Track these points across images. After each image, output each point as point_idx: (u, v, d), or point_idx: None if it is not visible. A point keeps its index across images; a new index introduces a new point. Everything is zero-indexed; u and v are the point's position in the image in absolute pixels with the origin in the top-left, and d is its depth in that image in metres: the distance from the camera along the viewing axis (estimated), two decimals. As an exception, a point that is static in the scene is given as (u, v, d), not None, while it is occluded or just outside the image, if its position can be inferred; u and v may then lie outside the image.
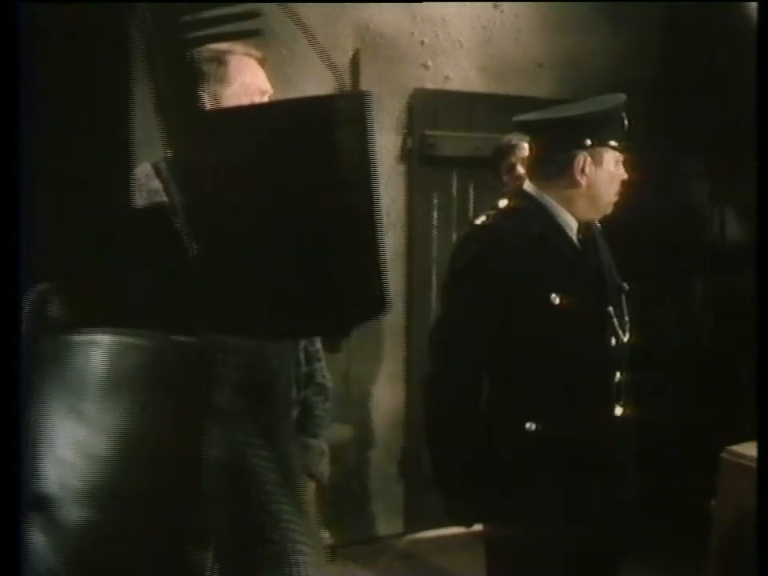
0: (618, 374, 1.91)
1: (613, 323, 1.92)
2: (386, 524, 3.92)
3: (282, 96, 3.54)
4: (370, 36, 3.60)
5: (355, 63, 3.56)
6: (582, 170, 1.88)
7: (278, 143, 0.65)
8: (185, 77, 0.67)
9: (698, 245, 3.98)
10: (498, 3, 3.80)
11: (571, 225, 1.92)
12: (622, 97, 1.99)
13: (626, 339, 1.95)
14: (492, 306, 1.82)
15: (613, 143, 1.92)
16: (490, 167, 3.06)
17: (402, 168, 3.73)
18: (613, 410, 1.90)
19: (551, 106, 3.97)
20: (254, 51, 1.67)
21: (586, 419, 1.87)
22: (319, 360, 1.86)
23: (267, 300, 0.59)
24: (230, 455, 0.53)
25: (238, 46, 1.63)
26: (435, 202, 3.76)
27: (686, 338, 4.03)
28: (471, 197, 3.80)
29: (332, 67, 0.89)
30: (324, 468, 1.82)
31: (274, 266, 0.59)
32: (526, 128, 2.08)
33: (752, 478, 1.75)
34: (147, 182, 1.54)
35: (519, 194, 1.98)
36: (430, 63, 3.72)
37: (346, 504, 3.79)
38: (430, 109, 3.71)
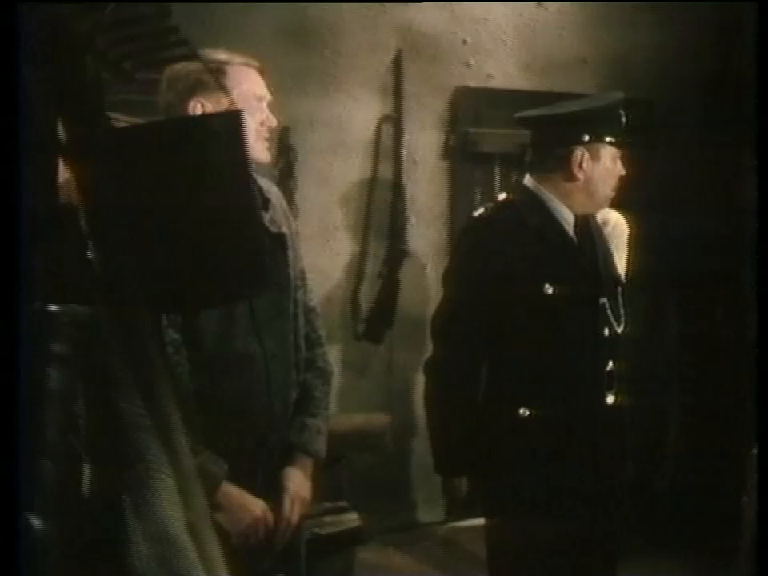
0: (610, 364, 1.97)
1: (606, 314, 1.97)
2: (427, 512, 4.02)
3: (325, 95, 3.69)
4: (412, 36, 3.70)
5: (397, 63, 3.67)
6: (580, 165, 1.95)
7: (167, 155, 0.76)
8: (86, 91, 0.79)
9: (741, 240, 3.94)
10: (542, 3, 3.84)
11: (568, 218, 1.99)
12: (619, 95, 2.04)
13: (619, 330, 2.00)
14: (488, 294, 1.90)
15: (610, 139, 1.97)
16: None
17: (445, 165, 3.82)
18: (604, 398, 1.95)
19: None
20: (252, 61, 1.80)
21: (577, 406, 1.94)
22: (321, 345, 1.97)
23: (166, 280, 0.72)
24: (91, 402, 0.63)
25: (236, 57, 1.77)
26: (478, 197, 3.83)
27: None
28: (513, 193, 3.86)
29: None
30: (320, 446, 1.91)
31: (168, 251, 0.72)
32: (526, 123, 2.15)
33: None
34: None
35: (518, 188, 2.06)
36: (472, 62, 3.79)
37: (388, 491, 3.91)
38: (472, 106, 3.79)
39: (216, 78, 1.70)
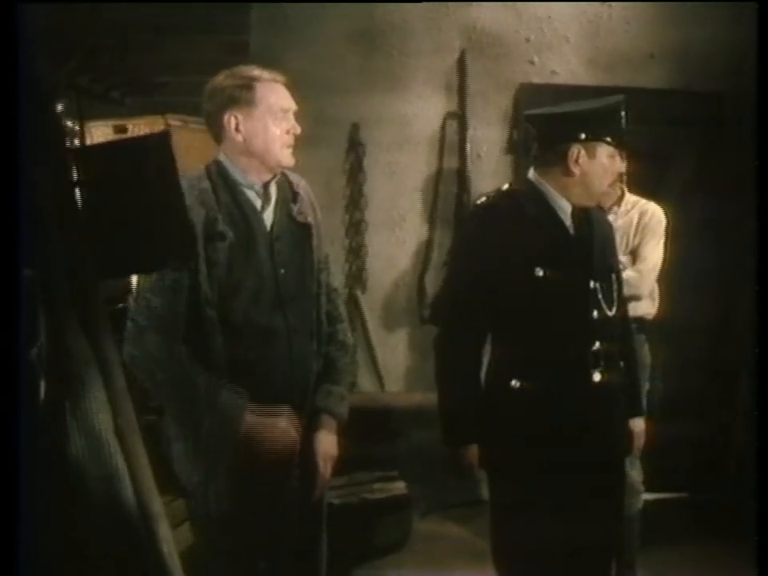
0: (597, 343, 2.11)
1: (597, 297, 2.12)
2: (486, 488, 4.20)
3: (392, 93, 3.92)
4: (477, 36, 3.89)
5: (462, 62, 3.87)
6: (576, 161, 2.10)
7: (119, 165, 1.04)
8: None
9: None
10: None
11: (565, 209, 2.15)
12: (619, 97, 2.17)
13: (611, 313, 2.14)
14: (486, 276, 2.10)
15: (607, 139, 2.11)
16: None
17: (508, 159, 3.98)
18: (591, 375, 2.11)
19: (663, 96, 4.08)
20: (279, 76, 2.07)
21: (565, 381, 2.10)
22: (342, 321, 2.21)
23: (116, 254, 1.00)
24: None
25: (265, 73, 2.03)
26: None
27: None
28: (576, 185, 3.97)
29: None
30: (344, 410, 2.14)
31: (119, 234, 1.00)
32: (530, 121, 2.31)
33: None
34: (199, 183, 2.00)
35: (521, 180, 2.24)
36: (536, 59, 3.93)
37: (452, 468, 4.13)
38: (535, 102, 3.90)
39: (246, 92, 1.97)
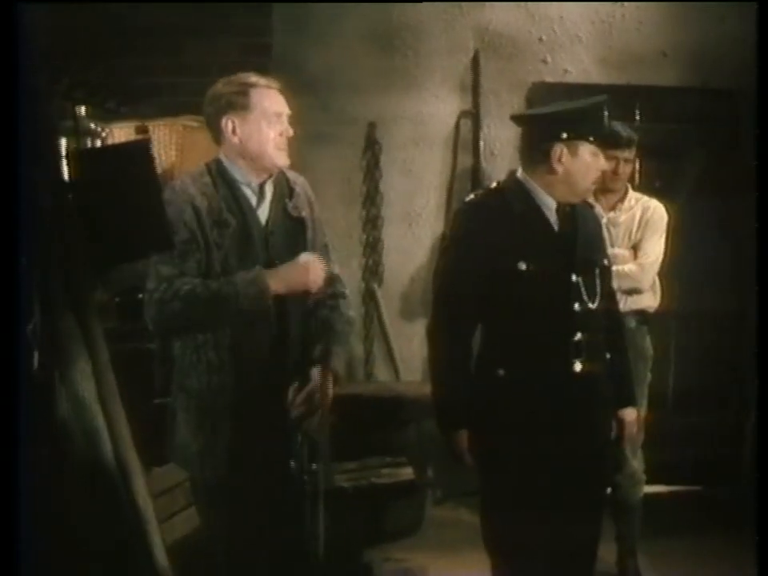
0: (578, 335, 2.21)
1: (579, 290, 2.22)
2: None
3: (408, 93, 4.02)
4: (490, 36, 3.99)
5: (475, 62, 3.97)
6: (559, 159, 2.20)
7: (106, 169, 1.18)
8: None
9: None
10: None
11: (550, 205, 2.25)
12: (602, 98, 2.27)
13: (593, 305, 2.24)
14: (473, 268, 2.22)
15: (589, 137, 2.21)
16: None
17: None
18: (572, 365, 2.21)
19: (675, 94, 4.13)
20: (273, 83, 2.21)
21: (546, 370, 2.21)
22: (344, 298, 2.38)
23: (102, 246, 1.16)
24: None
25: (260, 79, 2.18)
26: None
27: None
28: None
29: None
30: (340, 367, 2.31)
31: (103, 227, 1.15)
32: (516, 122, 2.41)
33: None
34: (201, 178, 2.15)
35: (509, 178, 2.34)
36: (548, 58, 4.02)
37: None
38: (547, 101, 3.99)
39: (242, 98, 2.13)
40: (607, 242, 2.57)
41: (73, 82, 2.44)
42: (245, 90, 2.14)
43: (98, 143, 2.69)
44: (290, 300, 2.20)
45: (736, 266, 4.15)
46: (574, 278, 2.22)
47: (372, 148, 4.04)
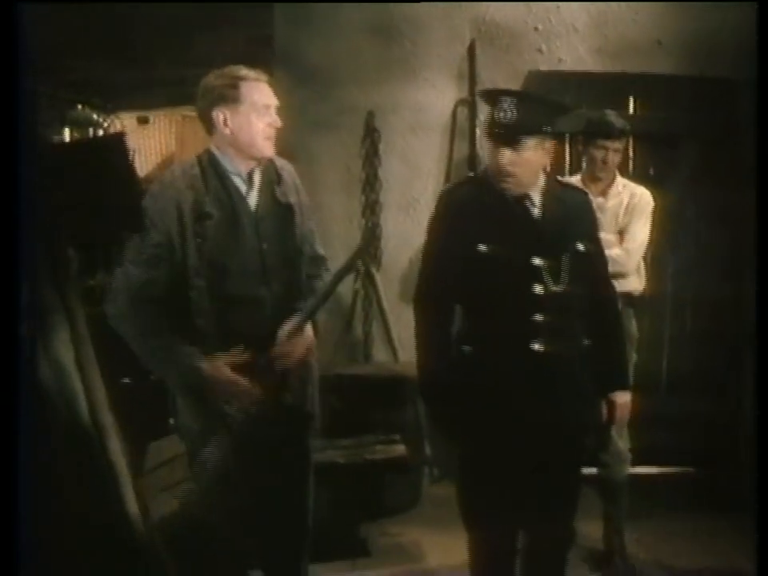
0: (538, 316, 2.32)
1: (540, 274, 2.33)
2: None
3: (406, 82, 4.10)
4: (486, 26, 4.07)
5: (471, 51, 4.06)
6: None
7: (84, 160, 1.31)
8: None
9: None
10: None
11: (514, 195, 2.38)
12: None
13: (557, 288, 2.34)
14: (446, 252, 2.35)
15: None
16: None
17: (518, 143, 4.16)
18: (531, 345, 2.32)
19: (670, 82, 4.19)
20: (262, 76, 2.31)
21: (507, 349, 2.33)
22: (327, 270, 2.50)
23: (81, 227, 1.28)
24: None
25: (249, 73, 2.29)
26: (548, 171, 4.14)
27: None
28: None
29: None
30: (312, 311, 2.39)
31: (85, 212, 1.28)
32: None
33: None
34: (191, 170, 2.27)
35: (484, 169, 2.45)
36: (544, 48, 4.10)
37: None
38: (542, 89, 4.08)
39: (232, 91, 2.24)
40: (597, 228, 2.62)
41: (60, 79, 2.57)
42: (235, 83, 2.25)
43: (100, 132, 2.84)
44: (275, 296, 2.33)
45: (731, 251, 4.22)
46: (536, 261, 2.33)
47: (371, 136, 4.15)
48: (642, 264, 3.30)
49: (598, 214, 3.21)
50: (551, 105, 2.47)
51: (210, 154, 2.31)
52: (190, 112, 3.21)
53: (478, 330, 2.36)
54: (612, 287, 2.62)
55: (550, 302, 2.34)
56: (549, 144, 2.40)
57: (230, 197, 2.28)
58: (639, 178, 4.04)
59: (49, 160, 1.30)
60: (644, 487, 4.15)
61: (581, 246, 2.42)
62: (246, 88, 2.25)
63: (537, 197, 2.41)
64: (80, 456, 1.23)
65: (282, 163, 2.44)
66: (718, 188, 4.14)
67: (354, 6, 4.00)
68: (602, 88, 4.05)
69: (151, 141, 3.08)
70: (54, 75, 3.28)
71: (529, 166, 2.35)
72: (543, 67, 4.11)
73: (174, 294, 2.21)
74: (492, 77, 4.09)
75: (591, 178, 3.24)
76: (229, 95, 2.24)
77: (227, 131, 2.26)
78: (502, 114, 2.30)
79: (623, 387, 2.59)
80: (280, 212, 2.35)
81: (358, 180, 4.19)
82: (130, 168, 1.40)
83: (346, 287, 4.20)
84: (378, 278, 4.23)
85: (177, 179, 2.26)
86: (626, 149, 3.55)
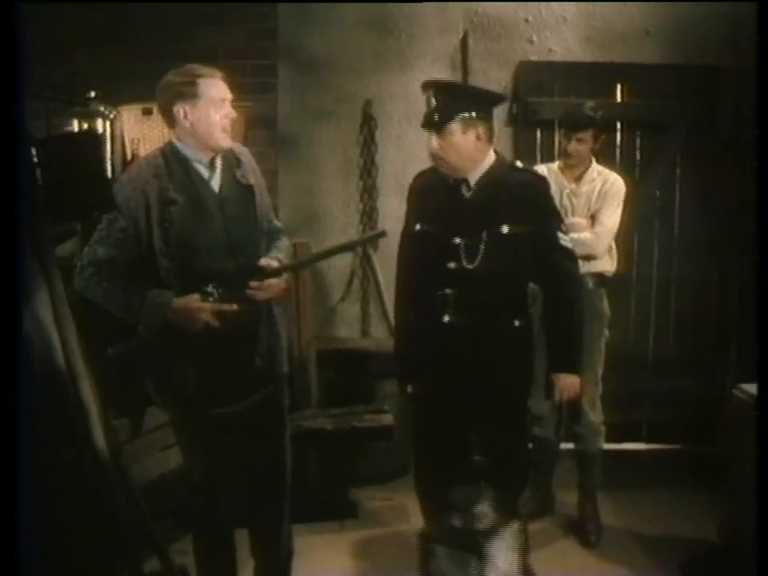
0: (448, 290, 2.56)
1: (457, 251, 2.54)
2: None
3: (402, 72, 4.26)
4: (479, 18, 4.25)
5: (464, 42, 4.24)
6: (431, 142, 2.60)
7: (68, 150, 1.54)
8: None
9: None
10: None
11: (451, 178, 2.61)
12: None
13: (470, 266, 2.56)
14: (407, 230, 2.65)
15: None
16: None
17: (509, 130, 4.34)
18: (442, 317, 2.57)
19: (658, 71, 4.32)
20: (216, 72, 2.48)
21: (428, 320, 2.61)
22: (284, 235, 2.74)
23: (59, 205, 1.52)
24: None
25: (206, 70, 2.46)
26: (538, 158, 4.31)
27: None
28: (572, 155, 4.29)
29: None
30: (283, 256, 2.63)
31: (60, 194, 1.52)
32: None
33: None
34: (155, 160, 2.49)
35: None
36: (534, 38, 4.27)
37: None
38: (533, 78, 4.26)
39: (189, 87, 2.41)
40: (543, 212, 2.70)
41: (69, 73, 2.81)
42: (193, 80, 2.42)
43: (107, 124, 3.09)
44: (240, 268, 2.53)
45: (716, 234, 4.36)
46: (456, 240, 2.55)
47: (368, 124, 4.36)
48: (614, 246, 3.46)
49: (573, 199, 3.42)
50: (474, 93, 2.68)
51: (172, 146, 2.49)
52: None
53: (414, 301, 2.65)
54: (562, 270, 2.70)
55: (460, 278, 2.56)
56: (482, 130, 2.58)
57: (193, 183, 2.47)
58: (626, 163, 4.22)
59: (35, 151, 1.54)
60: (629, 463, 4.36)
61: (505, 228, 2.57)
62: (203, 84, 2.43)
63: (473, 180, 2.60)
64: (56, 396, 1.48)
65: (239, 149, 2.63)
66: (702, 172, 4.28)
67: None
68: (590, 77, 4.21)
69: (155, 131, 3.31)
70: (62, 69, 3.54)
71: (457, 150, 2.54)
72: (534, 57, 4.27)
73: (142, 269, 2.43)
74: (484, 67, 4.28)
75: (565, 165, 3.42)
76: (188, 92, 2.42)
77: (187, 124, 2.43)
78: (427, 104, 2.52)
79: (566, 370, 2.72)
80: (242, 192, 2.55)
81: (356, 165, 4.40)
82: (100, 159, 1.64)
83: (345, 265, 4.45)
84: (374, 258, 4.44)
85: (142, 170, 2.46)
86: (606, 137, 3.67)
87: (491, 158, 2.66)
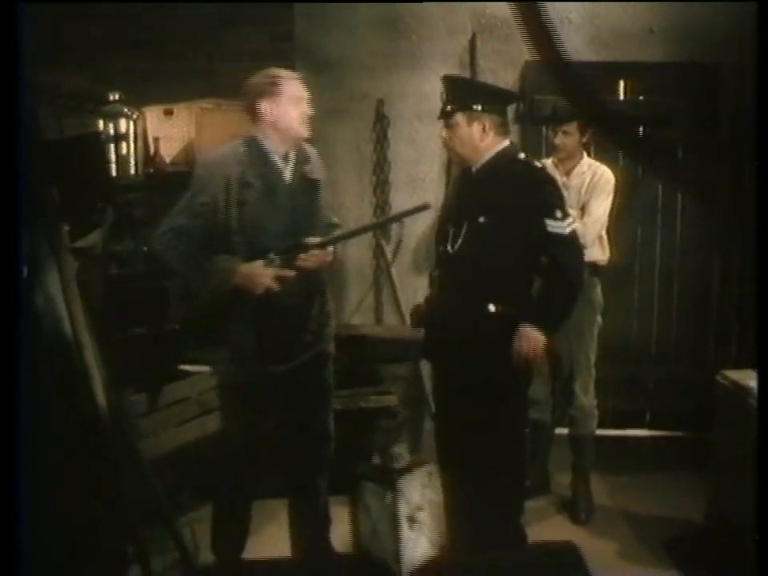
0: (435, 270, 2.84)
1: (447, 237, 2.76)
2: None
3: (413, 72, 4.48)
4: (486, 19, 4.43)
5: (472, 43, 4.43)
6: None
7: (75, 150, 1.80)
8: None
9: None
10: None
11: (461, 167, 2.84)
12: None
13: (451, 250, 2.77)
14: None
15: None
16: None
17: (516, 127, 4.50)
18: (432, 295, 2.87)
19: (662, 68, 4.46)
20: (294, 74, 2.85)
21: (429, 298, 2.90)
22: (339, 227, 3.04)
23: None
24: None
25: (286, 72, 2.81)
26: (544, 155, 4.48)
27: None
28: (577, 150, 4.44)
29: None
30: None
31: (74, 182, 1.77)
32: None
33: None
34: (238, 149, 2.78)
35: None
36: (540, 38, 4.42)
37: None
38: (539, 78, 4.41)
39: (273, 87, 2.75)
40: (531, 201, 2.75)
41: (95, 74, 3.06)
42: (275, 81, 2.77)
43: (131, 124, 3.35)
44: None
45: (717, 228, 4.47)
46: (449, 226, 2.77)
47: (381, 121, 4.57)
48: (605, 236, 3.62)
49: (564, 192, 3.58)
50: (479, 87, 2.88)
51: (254, 138, 2.81)
52: (207, 104, 3.69)
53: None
54: (552, 256, 2.73)
55: (443, 260, 2.81)
56: (489, 122, 2.74)
57: (269, 171, 2.79)
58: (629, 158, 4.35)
59: (44, 151, 1.79)
60: (631, 449, 4.51)
61: (482, 219, 2.71)
62: (284, 84, 2.78)
63: (474, 170, 2.80)
64: (63, 361, 1.73)
65: (309, 148, 2.96)
66: (703, 166, 4.40)
67: (365, 3, 4.41)
68: (595, 75, 4.35)
69: (175, 130, 3.57)
70: (89, 70, 3.82)
71: (461, 140, 2.73)
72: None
73: (214, 241, 2.74)
74: (492, 67, 4.46)
75: (558, 159, 3.60)
76: (271, 91, 2.76)
77: (271, 119, 2.76)
78: (441, 96, 2.73)
79: (536, 324, 2.71)
80: (308, 185, 2.87)
81: (369, 161, 4.62)
82: (102, 157, 1.88)
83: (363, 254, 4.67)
84: (387, 249, 4.67)
85: (226, 155, 2.78)
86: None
87: (498, 149, 2.79)
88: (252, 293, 2.70)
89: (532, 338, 2.72)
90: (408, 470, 1.71)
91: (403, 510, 1.63)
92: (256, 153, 2.78)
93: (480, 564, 1.92)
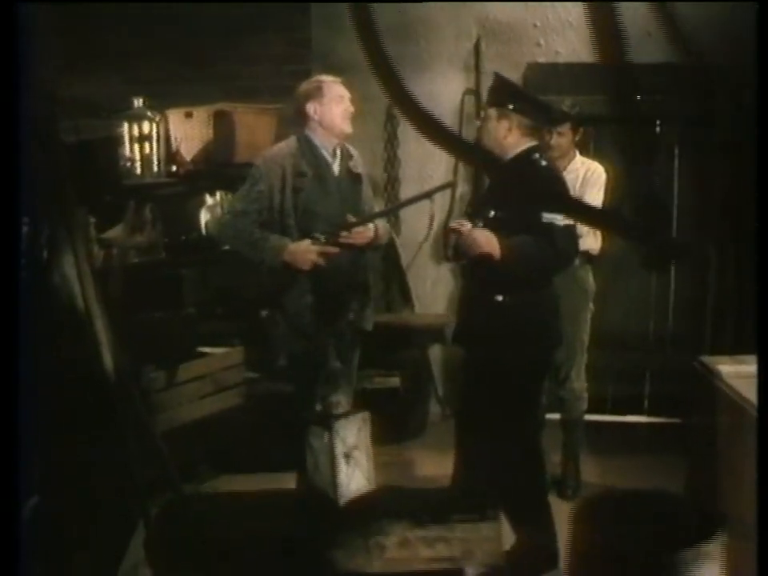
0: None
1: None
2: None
3: (420, 75, 4.74)
4: (490, 24, 4.67)
5: (477, 47, 4.67)
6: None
7: (88, 152, 2.11)
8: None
9: None
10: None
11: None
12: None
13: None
14: None
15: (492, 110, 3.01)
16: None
17: (518, 126, 4.74)
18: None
19: (660, 71, 4.64)
20: (337, 78, 3.27)
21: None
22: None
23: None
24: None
25: (327, 77, 3.25)
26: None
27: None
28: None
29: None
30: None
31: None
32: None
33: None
34: (292, 144, 3.13)
35: None
36: (542, 42, 4.65)
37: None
38: (540, 78, 4.64)
39: (317, 89, 3.18)
40: (532, 196, 2.86)
41: (122, 78, 3.39)
42: (319, 84, 3.24)
43: (154, 126, 3.67)
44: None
45: (713, 221, 4.65)
46: (476, 221, 3.00)
47: (391, 121, 4.84)
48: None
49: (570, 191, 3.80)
50: (520, 93, 3.04)
51: (306, 136, 3.25)
52: (223, 107, 3.99)
53: None
54: (540, 238, 2.81)
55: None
56: (517, 123, 2.91)
57: (319, 164, 3.23)
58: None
59: (65, 153, 2.11)
60: (628, 434, 4.70)
61: (492, 213, 2.93)
62: (327, 87, 3.23)
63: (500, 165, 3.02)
64: (76, 330, 2.05)
65: (351, 147, 3.39)
66: (699, 165, 4.58)
67: (376, 10, 4.66)
68: (594, 76, 4.55)
69: (195, 131, 3.91)
70: (115, 75, 4.16)
71: (488, 134, 2.95)
72: (541, 59, 4.66)
73: (268, 224, 3.16)
74: (496, 68, 4.63)
75: (553, 158, 3.82)
76: (316, 93, 3.21)
77: (317, 117, 3.20)
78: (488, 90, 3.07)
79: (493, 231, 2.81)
80: (352, 178, 3.32)
81: (380, 159, 4.90)
82: (112, 157, 2.19)
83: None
84: (397, 242, 4.93)
85: (282, 150, 3.23)
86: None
87: (521, 149, 2.94)
88: (300, 268, 3.10)
89: (484, 234, 2.82)
90: (345, 415, 2.00)
91: (340, 449, 1.91)
92: (307, 147, 3.21)
93: (410, 496, 2.19)
